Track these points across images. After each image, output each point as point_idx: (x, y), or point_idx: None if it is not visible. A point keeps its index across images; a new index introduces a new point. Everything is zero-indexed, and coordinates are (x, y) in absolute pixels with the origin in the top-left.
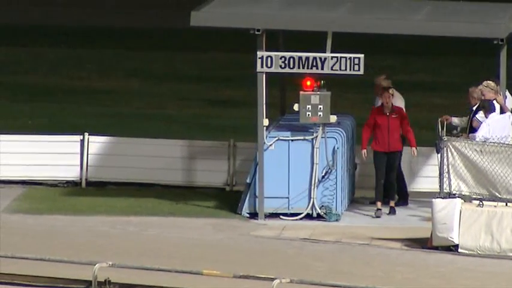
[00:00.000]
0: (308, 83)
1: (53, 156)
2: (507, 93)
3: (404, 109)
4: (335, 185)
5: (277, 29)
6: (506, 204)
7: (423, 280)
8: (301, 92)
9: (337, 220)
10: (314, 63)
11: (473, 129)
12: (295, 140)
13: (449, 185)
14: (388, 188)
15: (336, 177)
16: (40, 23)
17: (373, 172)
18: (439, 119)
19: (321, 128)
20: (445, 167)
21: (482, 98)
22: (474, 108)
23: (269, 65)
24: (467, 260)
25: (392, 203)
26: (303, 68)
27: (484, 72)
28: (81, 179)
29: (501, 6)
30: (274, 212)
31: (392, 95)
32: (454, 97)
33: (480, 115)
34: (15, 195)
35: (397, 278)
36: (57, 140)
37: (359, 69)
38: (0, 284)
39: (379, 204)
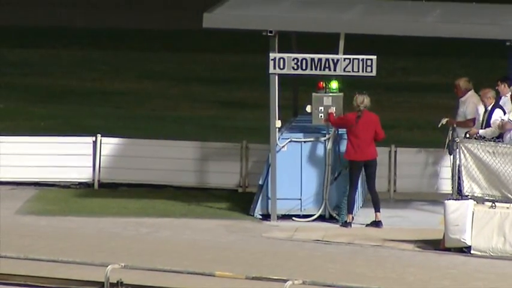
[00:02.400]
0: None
1: (66, 157)
2: None
3: (477, 112)
4: (347, 187)
5: (289, 31)
6: None
7: (435, 282)
8: (313, 94)
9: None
10: (327, 65)
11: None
12: (307, 141)
13: (462, 187)
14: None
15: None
16: (53, 25)
17: (385, 173)
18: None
19: (333, 129)
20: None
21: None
22: (489, 107)
23: (282, 67)
24: (480, 261)
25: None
26: (316, 69)
27: (495, 73)
28: (93, 180)
29: None
30: (286, 213)
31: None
32: None
33: (498, 114)
34: (28, 197)
35: (410, 280)
36: (69, 142)
37: (371, 71)
38: (13, 285)
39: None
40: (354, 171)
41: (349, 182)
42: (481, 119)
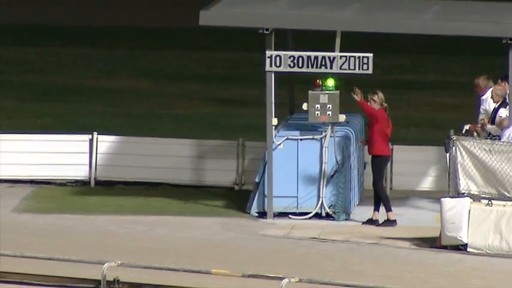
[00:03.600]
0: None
1: (62, 155)
2: None
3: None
4: (344, 184)
5: (286, 28)
6: None
7: (432, 279)
8: (310, 91)
9: (346, 219)
10: (323, 63)
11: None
12: (304, 139)
13: (458, 184)
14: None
15: (345, 177)
16: (50, 23)
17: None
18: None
19: (329, 127)
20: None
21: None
22: (496, 105)
23: (278, 65)
24: (476, 259)
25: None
26: (312, 67)
27: (493, 71)
28: (90, 178)
29: (510, 5)
30: (283, 211)
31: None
32: (463, 96)
33: (503, 112)
34: (24, 195)
35: (406, 277)
36: (66, 140)
37: (368, 69)
38: (9, 283)
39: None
40: (384, 166)
41: (378, 177)
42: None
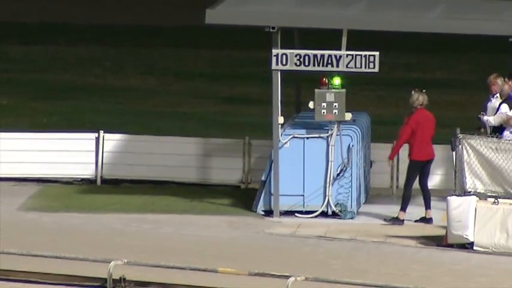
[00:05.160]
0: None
1: (68, 154)
2: None
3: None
4: (350, 183)
5: (292, 27)
6: None
7: (438, 278)
8: (316, 90)
9: (352, 218)
10: (329, 61)
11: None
12: (310, 137)
13: (465, 183)
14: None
15: (351, 175)
16: (56, 21)
17: (387, 169)
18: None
19: (336, 125)
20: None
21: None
22: (494, 98)
23: (284, 63)
24: (483, 257)
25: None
26: (318, 65)
27: (499, 70)
28: (96, 176)
29: None
30: (289, 209)
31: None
32: (469, 94)
33: (504, 108)
34: (30, 193)
35: (412, 276)
36: (72, 138)
37: (374, 67)
38: (15, 281)
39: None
40: (414, 170)
41: (406, 180)
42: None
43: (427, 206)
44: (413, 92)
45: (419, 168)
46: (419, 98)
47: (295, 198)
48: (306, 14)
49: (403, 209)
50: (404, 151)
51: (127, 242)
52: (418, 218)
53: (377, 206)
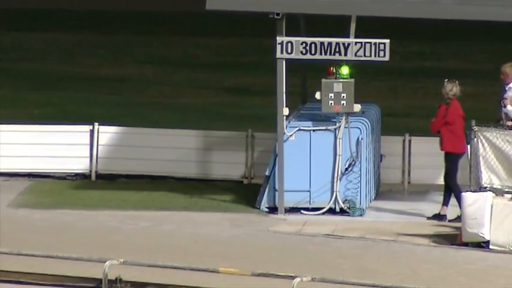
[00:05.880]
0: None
1: (61, 147)
2: None
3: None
4: (359, 178)
5: (298, 13)
6: None
7: (452, 278)
8: (323, 80)
9: (361, 215)
10: (337, 49)
11: None
12: (317, 130)
13: (480, 178)
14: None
15: (360, 170)
16: (50, 8)
17: (398, 164)
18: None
19: (344, 117)
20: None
21: None
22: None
23: (289, 51)
24: (499, 257)
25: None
26: (325, 54)
27: None
28: (90, 171)
29: None
30: (294, 206)
31: None
32: (485, 84)
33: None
34: (21, 189)
35: (425, 276)
36: (65, 130)
37: (384, 55)
38: (6, 282)
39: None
40: (455, 163)
41: (449, 174)
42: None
43: (445, 203)
44: (446, 82)
45: (458, 160)
46: (453, 88)
47: (301, 194)
48: (312, 0)
49: (447, 204)
50: (418, 144)
51: (123, 240)
52: (431, 215)
53: (388, 202)
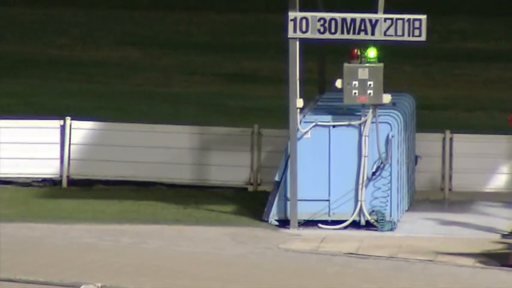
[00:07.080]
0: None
1: (26, 147)
2: None
3: None
4: (389, 184)
5: None
6: None
7: None
8: (345, 64)
9: (391, 229)
10: (362, 27)
11: None
12: (337, 125)
13: None
14: None
15: (391, 174)
16: None
17: (437, 167)
18: None
19: (371, 110)
20: None
21: None
22: None
23: (304, 30)
24: None
25: None
26: (348, 33)
27: None
28: (61, 176)
29: None
30: (310, 219)
31: None
32: None
33: None
34: None
35: None
36: (30, 126)
37: (420, 35)
38: None
39: None
40: None
41: None
42: None
43: None
44: None
45: None
46: None
47: (319, 204)
48: None
49: None
50: (461, 143)
51: (101, 260)
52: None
53: (424, 213)
